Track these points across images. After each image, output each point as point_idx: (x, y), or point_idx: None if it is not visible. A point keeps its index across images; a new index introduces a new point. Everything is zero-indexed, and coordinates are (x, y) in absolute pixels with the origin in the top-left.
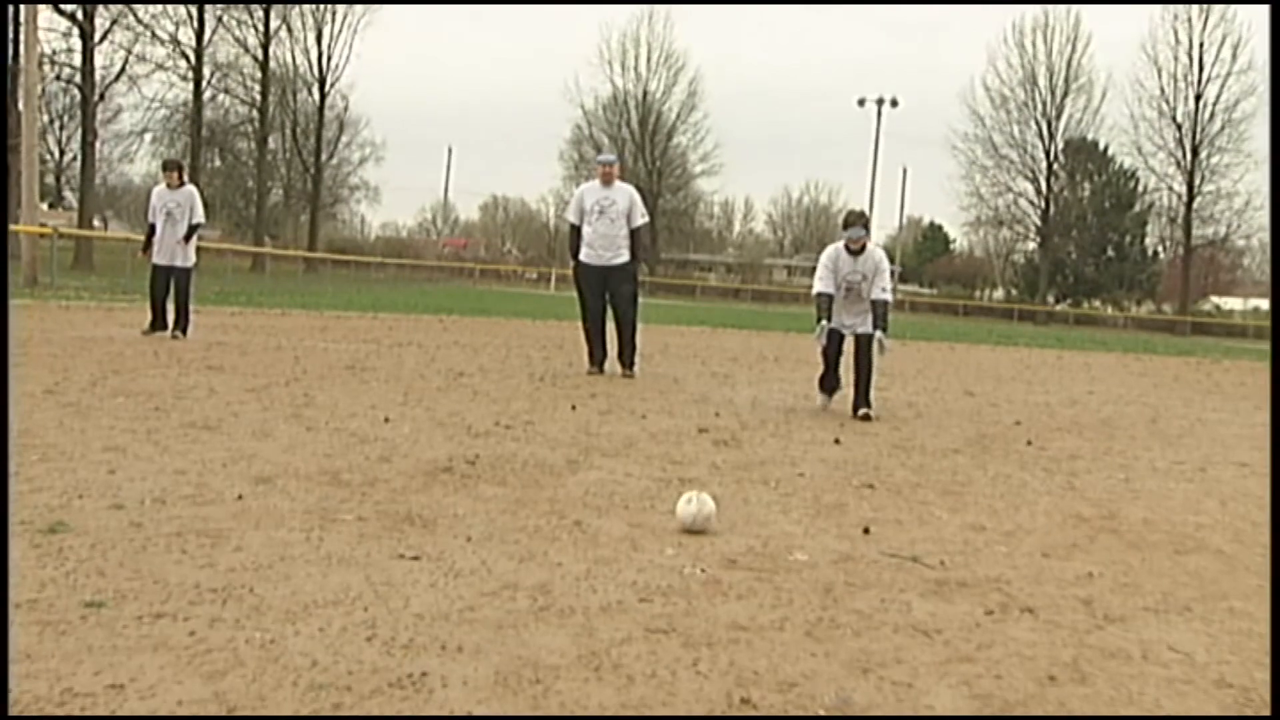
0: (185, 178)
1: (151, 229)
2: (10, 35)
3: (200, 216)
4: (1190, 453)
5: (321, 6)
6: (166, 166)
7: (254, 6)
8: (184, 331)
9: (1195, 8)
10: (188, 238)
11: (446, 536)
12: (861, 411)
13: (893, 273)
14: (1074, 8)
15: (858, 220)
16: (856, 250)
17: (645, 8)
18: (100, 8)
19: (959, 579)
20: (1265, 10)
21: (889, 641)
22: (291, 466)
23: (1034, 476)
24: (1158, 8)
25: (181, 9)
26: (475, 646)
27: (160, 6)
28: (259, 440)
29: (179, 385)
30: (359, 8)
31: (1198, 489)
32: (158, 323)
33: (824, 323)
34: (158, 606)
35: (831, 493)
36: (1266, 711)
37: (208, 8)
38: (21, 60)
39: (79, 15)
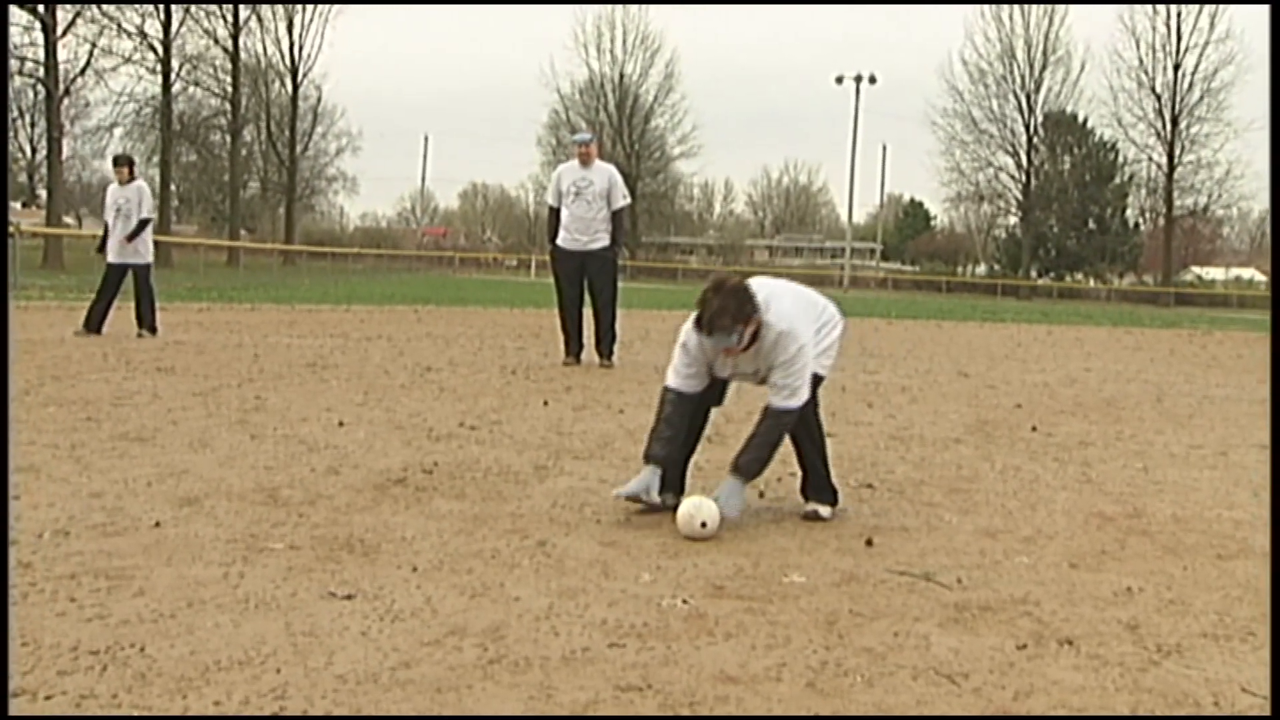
0: (134, 173)
1: (107, 228)
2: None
3: (147, 211)
4: (1205, 435)
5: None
6: (116, 162)
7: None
8: (151, 330)
9: None
10: (132, 235)
11: (389, 567)
12: (810, 508)
13: (873, 251)
14: None
15: (720, 320)
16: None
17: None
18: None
19: (980, 601)
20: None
21: (908, 692)
22: (225, 484)
23: (1045, 468)
24: None
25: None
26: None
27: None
28: (195, 452)
29: (120, 390)
30: None
31: (1224, 477)
32: (92, 323)
33: (652, 470)
34: (16, 680)
35: None
36: None
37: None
38: None
39: (40, 9)
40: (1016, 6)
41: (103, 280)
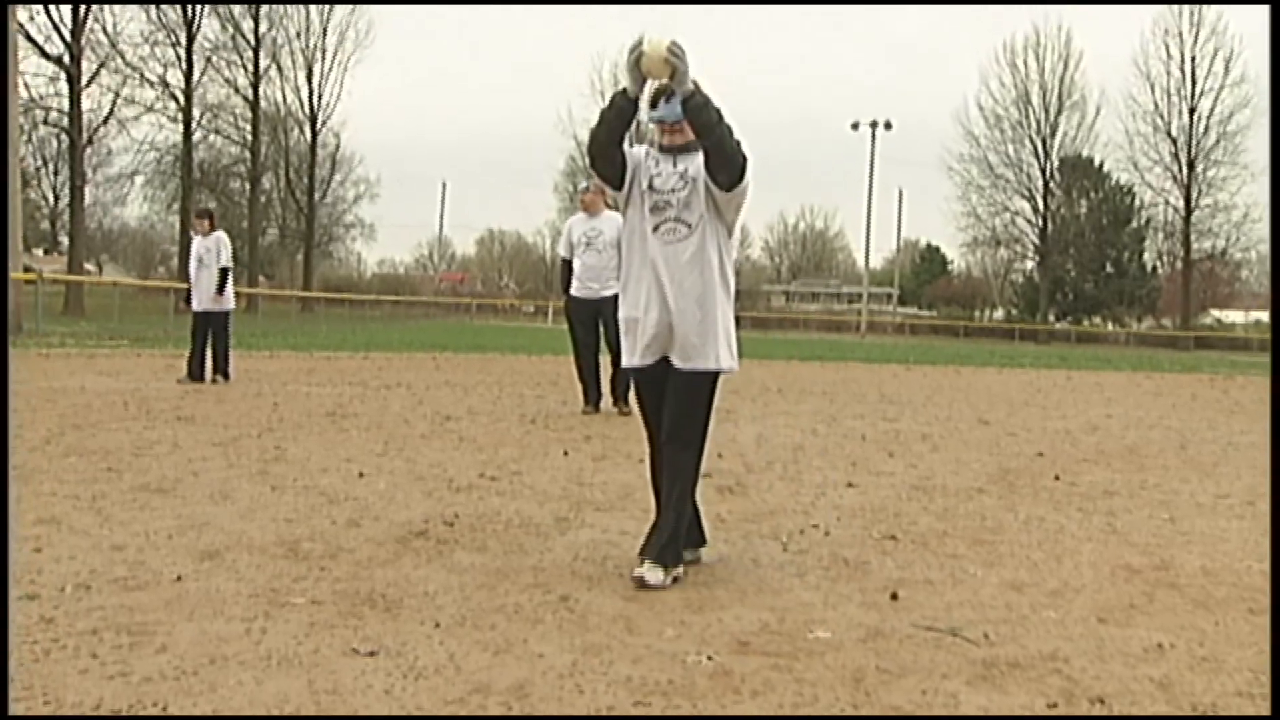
0: (215, 224)
1: (190, 280)
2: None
3: (225, 260)
4: (1232, 483)
5: (311, 45)
6: (197, 215)
7: (243, 48)
8: (225, 375)
9: (1186, 20)
10: (221, 286)
11: (412, 622)
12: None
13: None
14: (1065, 25)
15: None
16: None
17: (636, 36)
18: (87, 50)
19: (1009, 657)
20: (1258, 25)
21: None
22: (245, 537)
23: (1070, 519)
24: (1149, 20)
25: (170, 51)
26: None
27: (148, 49)
28: (215, 504)
29: (141, 440)
30: (349, 44)
31: (1253, 528)
32: (193, 372)
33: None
34: None
35: (851, 548)
36: None
37: (196, 50)
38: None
39: (65, 59)
40: (1031, 51)
41: (191, 331)
